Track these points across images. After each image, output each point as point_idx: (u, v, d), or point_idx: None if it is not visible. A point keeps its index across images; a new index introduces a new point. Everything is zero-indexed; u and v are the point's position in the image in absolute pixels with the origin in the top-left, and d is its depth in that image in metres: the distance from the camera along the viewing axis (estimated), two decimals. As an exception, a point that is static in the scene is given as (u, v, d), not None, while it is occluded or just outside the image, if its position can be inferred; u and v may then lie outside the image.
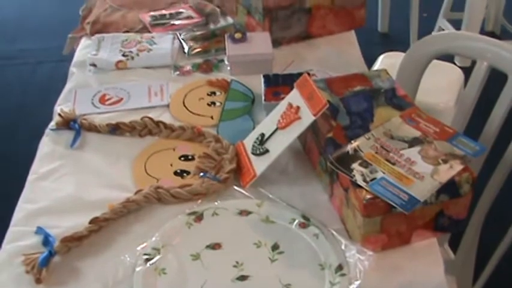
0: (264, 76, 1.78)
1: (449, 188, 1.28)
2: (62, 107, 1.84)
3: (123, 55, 2.02)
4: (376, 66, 2.78)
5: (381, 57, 2.85)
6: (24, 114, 3.75)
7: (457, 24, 4.14)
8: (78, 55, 2.14)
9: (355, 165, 1.32)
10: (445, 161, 1.32)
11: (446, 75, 2.73)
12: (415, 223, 1.31)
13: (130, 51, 2.03)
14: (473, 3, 3.91)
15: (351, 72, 1.74)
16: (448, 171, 1.30)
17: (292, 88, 1.55)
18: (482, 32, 4.18)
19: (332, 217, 1.41)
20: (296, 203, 1.43)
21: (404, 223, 1.29)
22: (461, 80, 2.75)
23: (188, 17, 2.25)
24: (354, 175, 1.29)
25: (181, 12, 2.28)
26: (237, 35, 1.96)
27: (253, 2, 2.04)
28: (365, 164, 1.32)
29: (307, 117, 1.44)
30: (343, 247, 1.30)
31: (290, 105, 1.50)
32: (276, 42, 2.02)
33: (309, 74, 1.71)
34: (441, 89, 2.61)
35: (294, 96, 1.51)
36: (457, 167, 1.31)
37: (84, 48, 2.16)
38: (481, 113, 1.90)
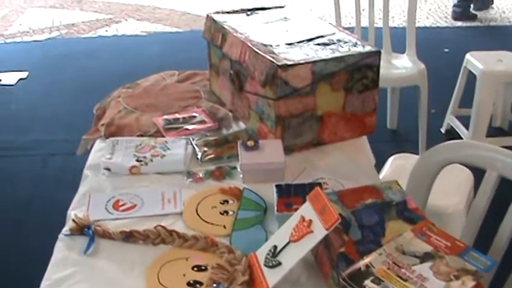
0: (276, 186, 1.80)
1: (462, 305, 1.29)
2: (75, 211, 1.86)
3: (137, 160, 2.05)
4: (386, 168, 2.81)
5: (391, 159, 2.89)
6: (34, 207, 3.77)
7: (465, 121, 4.20)
8: (92, 158, 2.17)
9: (368, 282, 1.33)
10: (456, 277, 1.33)
11: (456, 177, 2.75)
12: None
13: (144, 157, 2.06)
14: (481, 101, 3.98)
15: (362, 180, 1.76)
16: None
17: (304, 199, 1.56)
18: (491, 128, 4.22)
19: (344, 332, 1.41)
20: (308, 316, 1.44)
21: None
22: (471, 182, 2.77)
23: (201, 122, 2.29)
24: (367, 292, 1.30)
25: (194, 117, 2.33)
26: (250, 143, 1.99)
27: (266, 109, 2.08)
28: (377, 281, 1.33)
29: (320, 231, 1.46)
30: None
31: (303, 218, 1.52)
32: (288, 149, 2.05)
33: (320, 184, 1.74)
34: (451, 191, 2.63)
35: (307, 209, 1.53)
36: (469, 283, 1.31)
37: (98, 151, 2.19)
38: (492, 220, 1.91)
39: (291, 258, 1.49)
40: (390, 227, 1.49)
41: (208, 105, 2.42)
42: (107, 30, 6.91)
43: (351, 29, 4.03)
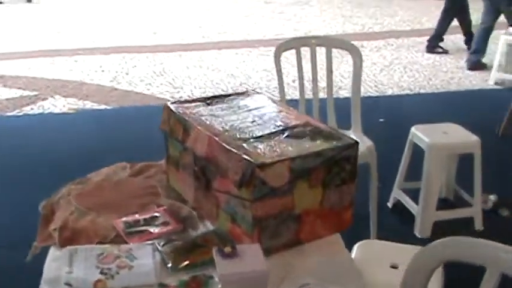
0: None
1: None
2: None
3: (101, 273, 1.86)
4: (353, 255, 2.69)
5: (355, 246, 2.77)
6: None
7: (411, 194, 4.15)
8: (48, 269, 1.95)
9: None
10: None
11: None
12: None
13: (109, 268, 1.88)
14: (430, 174, 3.97)
15: (346, 282, 1.70)
16: None
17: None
18: (438, 199, 4.14)
19: None
20: None
21: None
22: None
23: (164, 223, 2.12)
24: None
25: (156, 217, 2.16)
26: (227, 249, 1.81)
27: (239, 210, 1.93)
28: None
29: None
30: None
31: None
32: (266, 252, 1.89)
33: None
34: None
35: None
36: None
37: (53, 261, 1.99)
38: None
39: None
40: None
41: (168, 202, 2.25)
42: (32, 108, 6.65)
43: (294, 101, 3.95)
